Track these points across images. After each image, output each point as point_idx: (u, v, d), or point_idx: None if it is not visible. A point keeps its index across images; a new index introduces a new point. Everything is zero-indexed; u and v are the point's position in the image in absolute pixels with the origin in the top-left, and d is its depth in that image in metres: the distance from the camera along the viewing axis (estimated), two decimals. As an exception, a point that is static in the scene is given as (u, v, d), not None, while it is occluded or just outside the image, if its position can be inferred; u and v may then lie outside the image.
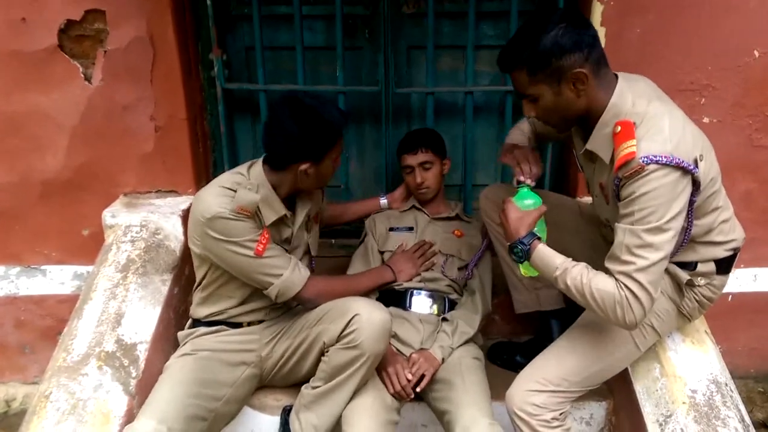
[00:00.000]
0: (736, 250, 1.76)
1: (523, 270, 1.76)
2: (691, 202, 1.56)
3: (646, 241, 1.48)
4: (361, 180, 2.72)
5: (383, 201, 2.41)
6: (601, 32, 2.24)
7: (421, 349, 2.04)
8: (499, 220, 1.78)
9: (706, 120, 2.37)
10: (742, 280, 2.61)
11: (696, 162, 1.50)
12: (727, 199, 1.74)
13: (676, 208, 1.48)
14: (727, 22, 2.26)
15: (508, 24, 2.38)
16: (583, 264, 1.60)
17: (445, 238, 2.24)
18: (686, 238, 1.66)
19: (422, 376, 1.94)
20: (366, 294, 2.06)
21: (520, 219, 1.72)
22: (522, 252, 1.67)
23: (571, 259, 1.63)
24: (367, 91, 2.53)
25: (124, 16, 2.25)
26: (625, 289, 1.51)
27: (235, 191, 1.81)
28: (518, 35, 1.59)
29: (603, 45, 2.17)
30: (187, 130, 2.41)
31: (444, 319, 2.12)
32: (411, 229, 2.30)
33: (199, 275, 1.98)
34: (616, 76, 1.61)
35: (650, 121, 1.51)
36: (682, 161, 1.46)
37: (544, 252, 1.65)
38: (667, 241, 1.49)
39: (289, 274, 1.87)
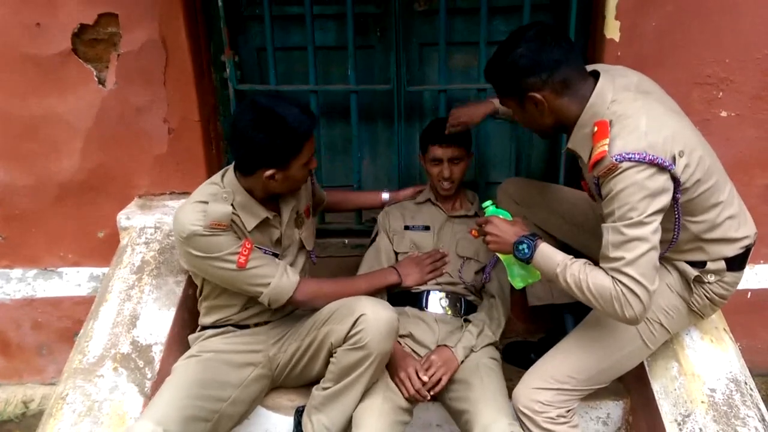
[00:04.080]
0: (748, 248, 1.73)
1: (516, 281, 1.77)
2: (675, 199, 1.55)
3: (630, 236, 1.48)
4: (374, 179, 2.71)
5: (385, 196, 2.35)
6: (616, 26, 2.21)
7: (441, 345, 2.00)
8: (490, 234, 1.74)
9: (724, 114, 2.33)
10: (761, 276, 2.57)
11: (674, 158, 1.48)
12: (734, 195, 1.71)
13: (657, 205, 1.48)
14: (745, 13, 2.22)
15: (521, 20, 2.35)
16: (582, 260, 1.59)
17: (462, 239, 2.20)
18: (676, 236, 1.65)
19: (438, 380, 1.91)
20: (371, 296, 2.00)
21: (512, 224, 1.72)
22: (528, 248, 1.64)
23: (572, 256, 1.61)
24: (379, 90, 2.52)
25: (137, 19, 2.26)
26: (619, 284, 1.50)
27: (208, 203, 1.78)
28: (497, 49, 1.63)
29: (618, 38, 2.21)
30: (200, 131, 2.42)
31: (466, 320, 2.09)
32: (428, 228, 2.24)
33: (198, 287, 1.99)
34: (597, 76, 1.60)
35: (626, 120, 1.51)
36: (656, 158, 1.45)
37: (546, 249, 1.64)
38: (651, 232, 1.48)
39: (277, 281, 1.85)
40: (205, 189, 1.85)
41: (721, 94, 2.32)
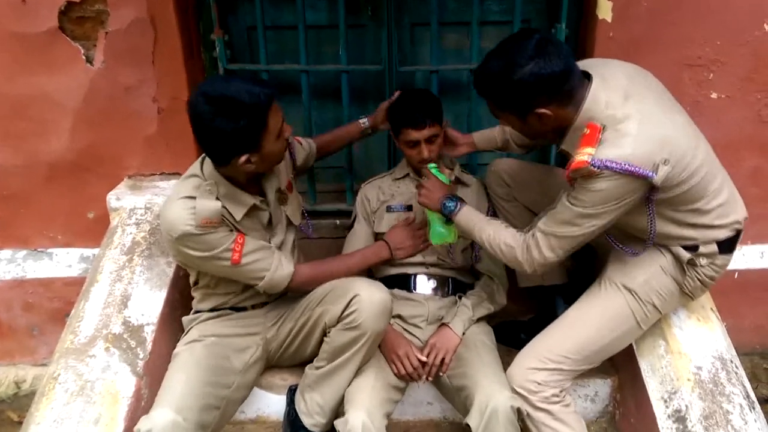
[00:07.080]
0: (738, 231, 1.75)
1: (435, 238, 1.99)
2: (649, 200, 1.59)
3: (575, 222, 1.59)
4: (364, 160, 2.70)
5: (363, 121, 2.26)
6: (608, 6, 2.20)
7: (441, 324, 2.02)
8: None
9: (714, 95, 2.34)
10: (748, 257, 2.60)
11: (656, 167, 1.50)
12: (725, 183, 1.72)
13: (617, 209, 1.56)
14: (736, -6, 2.22)
15: (513, 0, 2.35)
16: (498, 221, 1.85)
17: None
18: (652, 231, 1.68)
19: (442, 361, 1.94)
20: (361, 275, 2.02)
21: (445, 186, 1.94)
22: (454, 206, 1.86)
23: (489, 217, 1.87)
24: (370, 70, 2.49)
25: (125, -4, 2.23)
26: (532, 239, 1.68)
27: (196, 200, 1.71)
28: (490, 64, 1.60)
29: (610, 19, 2.20)
30: (190, 111, 2.39)
31: (460, 296, 2.11)
32: (410, 208, 2.19)
33: (191, 278, 1.96)
34: (589, 78, 1.60)
35: (619, 125, 1.53)
36: (637, 169, 1.48)
37: (469, 211, 1.86)
38: (595, 226, 1.59)
39: (272, 274, 1.83)
40: (188, 183, 1.77)
41: (711, 75, 2.32)
